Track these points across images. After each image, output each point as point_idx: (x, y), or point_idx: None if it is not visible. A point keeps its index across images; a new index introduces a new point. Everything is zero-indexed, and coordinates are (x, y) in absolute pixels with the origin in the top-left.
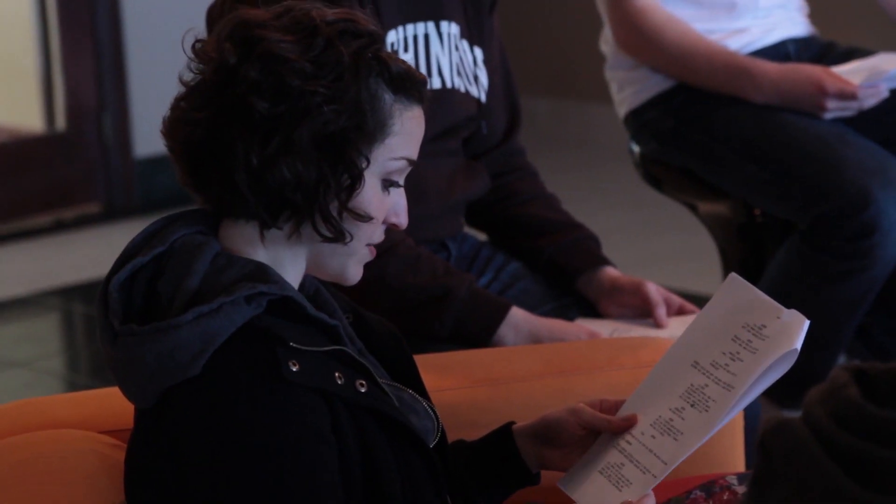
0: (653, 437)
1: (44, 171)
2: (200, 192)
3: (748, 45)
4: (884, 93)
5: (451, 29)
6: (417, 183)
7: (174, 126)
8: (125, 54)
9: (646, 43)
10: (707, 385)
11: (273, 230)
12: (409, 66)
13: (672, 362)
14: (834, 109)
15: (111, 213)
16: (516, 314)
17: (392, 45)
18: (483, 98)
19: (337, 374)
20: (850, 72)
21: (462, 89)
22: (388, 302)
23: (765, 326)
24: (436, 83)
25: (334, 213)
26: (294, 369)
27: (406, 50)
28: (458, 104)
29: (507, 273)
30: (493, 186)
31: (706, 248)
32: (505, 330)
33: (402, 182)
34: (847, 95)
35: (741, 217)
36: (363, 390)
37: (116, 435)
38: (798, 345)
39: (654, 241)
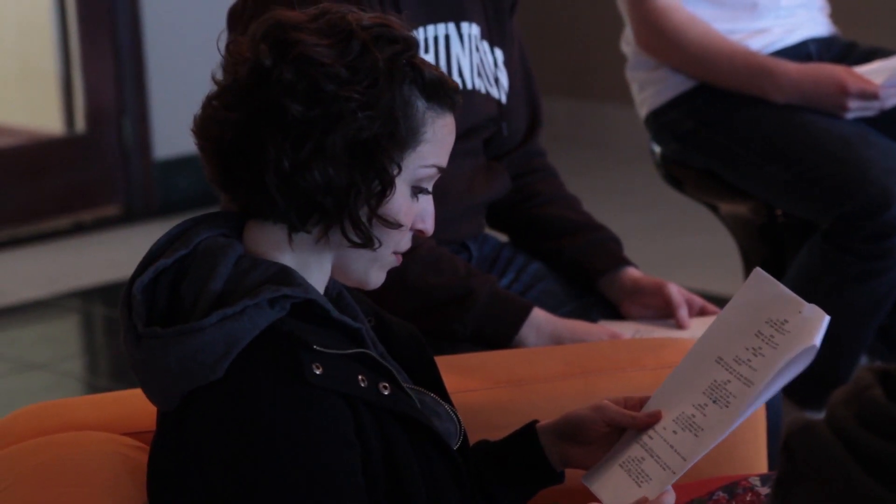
0: (674, 432)
1: (63, 173)
2: (229, 192)
3: (770, 45)
4: None
5: (471, 30)
6: (439, 184)
7: (205, 124)
8: (145, 57)
9: (667, 43)
10: (729, 381)
11: (301, 234)
12: (443, 74)
13: (697, 358)
14: (855, 109)
15: (130, 216)
16: (538, 315)
17: None
18: (504, 99)
19: (360, 377)
20: (873, 72)
21: (483, 90)
22: (410, 302)
23: (787, 321)
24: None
25: (364, 220)
26: (318, 372)
27: (427, 51)
28: (478, 105)
29: (528, 274)
30: (514, 187)
31: (727, 249)
32: (527, 331)
33: (430, 189)
34: (869, 95)
35: (762, 217)
36: (386, 393)
37: (138, 437)
38: (817, 341)
39: (675, 241)
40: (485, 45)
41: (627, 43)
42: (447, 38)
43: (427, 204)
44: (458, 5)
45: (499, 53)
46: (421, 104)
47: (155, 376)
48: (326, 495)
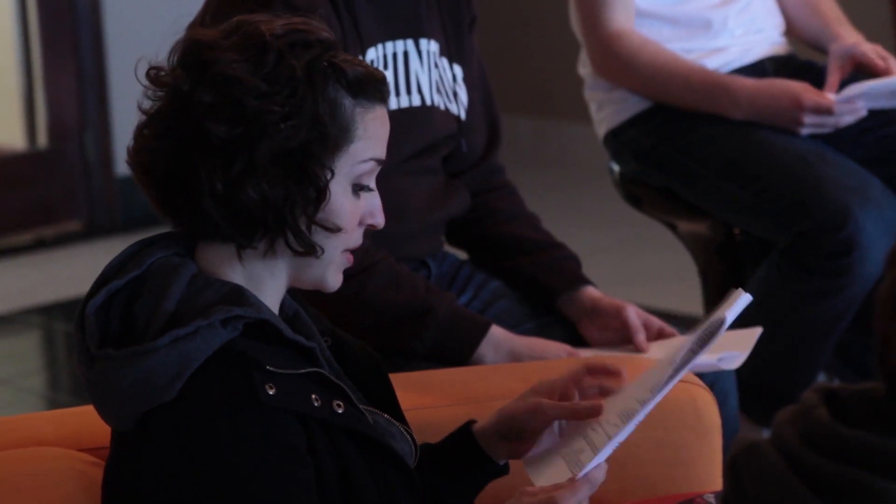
0: (615, 425)
1: (25, 188)
2: (171, 218)
3: (727, 64)
4: (861, 112)
5: (430, 46)
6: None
7: (137, 155)
8: (107, 73)
9: (622, 67)
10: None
11: (248, 250)
12: (367, 67)
13: (660, 364)
14: (810, 125)
15: (93, 232)
16: (496, 333)
17: (372, 62)
18: (463, 115)
19: (314, 397)
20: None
21: (442, 107)
22: (368, 319)
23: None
24: (415, 101)
25: (304, 228)
26: (270, 392)
27: (385, 67)
28: (437, 122)
29: (487, 291)
30: (473, 205)
31: (686, 268)
32: (484, 349)
33: (372, 184)
34: (823, 110)
35: (720, 236)
36: (340, 411)
37: (95, 453)
38: (728, 315)
39: (635, 260)
40: (444, 62)
41: (584, 65)
42: (406, 54)
43: (373, 199)
44: (416, 22)
45: (458, 69)
46: (348, 102)
47: (109, 397)
48: None
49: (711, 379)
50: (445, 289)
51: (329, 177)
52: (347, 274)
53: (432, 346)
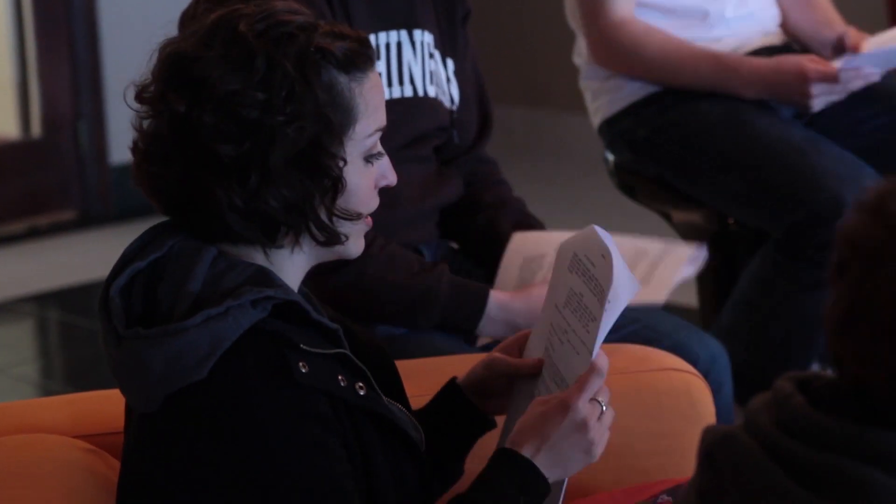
0: (556, 366)
1: (19, 178)
2: (194, 231)
3: None
4: (874, 76)
5: (424, 38)
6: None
7: (145, 180)
8: (101, 62)
9: (626, 56)
10: (582, 294)
11: (274, 248)
12: (349, 34)
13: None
14: (819, 94)
15: (86, 221)
16: (492, 306)
17: None
18: (455, 108)
19: (340, 377)
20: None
21: (434, 98)
22: (371, 306)
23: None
24: (408, 91)
25: (325, 220)
26: (304, 371)
27: (378, 58)
28: (429, 112)
29: (476, 279)
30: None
31: None
32: (483, 323)
33: (382, 150)
34: (829, 77)
35: (714, 226)
36: (362, 393)
37: (91, 439)
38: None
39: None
40: (437, 54)
41: (579, 54)
42: (399, 45)
43: (383, 161)
44: (410, 13)
45: (450, 63)
46: (343, 80)
47: (137, 377)
48: (324, 486)
49: (706, 368)
50: None
51: (341, 165)
52: (343, 261)
53: (439, 322)
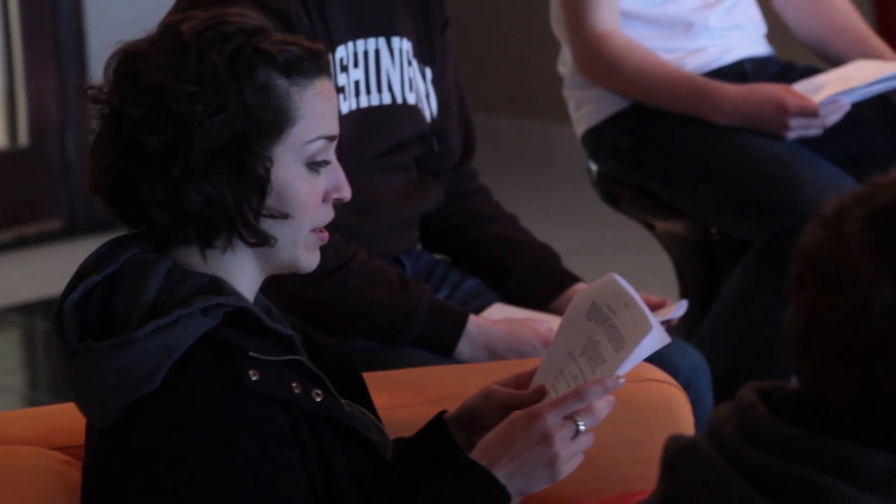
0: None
1: (5, 186)
2: (134, 228)
3: (706, 64)
4: (845, 107)
5: (402, 45)
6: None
7: (90, 175)
8: (88, 70)
9: (606, 69)
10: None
11: (209, 249)
12: (302, 44)
13: (566, 329)
14: (797, 128)
15: (73, 230)
16: (472, 327)
17: (342, 60)
18: (434, 116)
19: (294, 384)
20: (818, 85)
21: (413, 105)
22: (350, 322)
23: (613, 312)
24: (386, 99)
25: (252, 221)
26: (254, 378)
27: (356, 65)
28: (408, 120)
29: (462, 291)
30: (453, 210)
31: (665, 267)
32: (461, 345)
33: (330, 158)
34: (809, 112)
35: (697, 235)
36: (319, 399)
37: (69, 451)
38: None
39: (614, 259)
40: (416, 62)
41: (563, 64)
42: (377, 52)
43: (335, 172)
44: (389, 20)
45: (428, 72)
46: (282, 83)
47: (91, 391)
48: (275, 494)
49: (686, 379)
50: None
51: (268, 165)
52: (324, 273)
53: (415, 341)
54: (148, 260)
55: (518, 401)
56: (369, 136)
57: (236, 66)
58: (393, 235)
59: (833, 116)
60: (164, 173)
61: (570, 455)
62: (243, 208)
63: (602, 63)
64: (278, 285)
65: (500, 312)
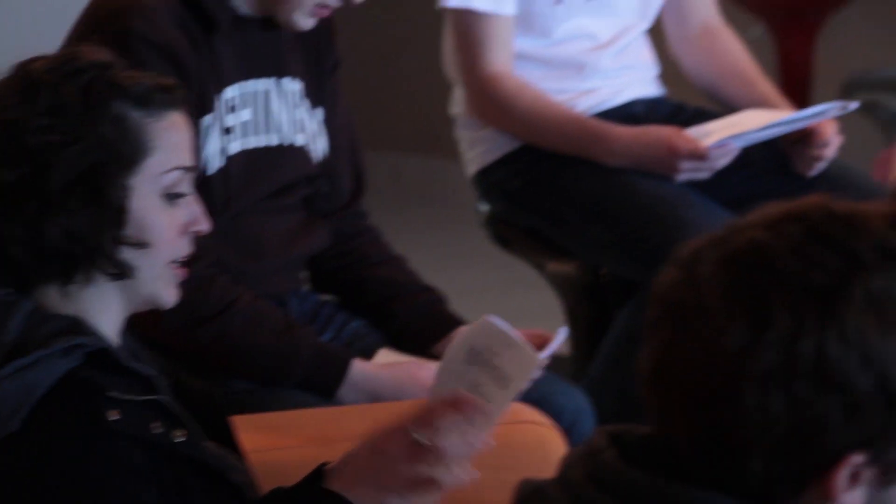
0: None
1: None
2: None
3: (597, 105)
4: (734, 150)
5: (292, 86)
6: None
7: None
8: None
9: (498, 111)
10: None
11: (70, 286)
12: (153, 78)
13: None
14: (687, 171)
15: None
16: (355, 373)
17: (230, 100)
18: (322, 157)
19: (154, 424)
20: (708, 131)
21: (302, 147)
22: (233, 363)
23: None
24: (273, 140)
25: (109, 251)
26: (113, 418)
27: (245, 105)
28: (296, 161)
29: (348, 331)
30: (341, 251)
31: (555, 308)
32: (344, 390)
33: (187, 191)
34: (698, 156)
35: (587, 277)
36: (180, 440)
37: None
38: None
39: (503, 300)
40: (306, 103)
41: (456, 104)
42: (267, 93)
43: (192, 205)
44: (279, 61)
45: (318, 112)
46: (136, 115)
47: None
48: None
49: (570, 421)
50: None
51: (125, 195)
52: (209, 314)
53: (298, 384)
54: (7, 303)
55: None
56: (257, 177)
57: (90, 99)
58: (279, 277)
59: (722, 160)
60: (21, 208)
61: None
62: (102, 239)
63: (493, 104)
64: (159, 325)
65: (385, 357)
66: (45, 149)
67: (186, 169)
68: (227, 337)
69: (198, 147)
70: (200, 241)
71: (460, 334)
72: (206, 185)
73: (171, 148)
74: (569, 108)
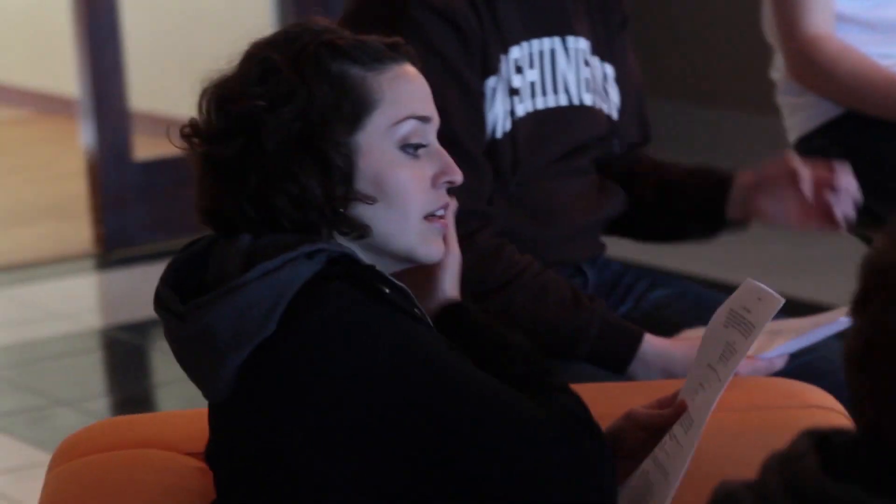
0: (675, 435)
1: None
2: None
3: None
4: None
5: (578, 44)
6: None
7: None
8: None
9: (819, 74)
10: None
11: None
12: (370, 38)
13: (700, 356)
14: None
15: None
16: (647, 350)
17: (516, 61)
18: (615, 115)
19: (416, 308)
20: None
21: (592, 106)
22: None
23: (748, 311)
24: (562, 100)
25: (343, 211)
26: (388, 292)
27: (532, 66)
28: (586, 122)
29: (648, 302)
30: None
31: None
32: (635, 366)
33: (428, 141)
34: None
35: None
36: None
37: (200, 457)
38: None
39: (827, 277)
40: (595, 60)
41: (777, 69)
42: (553, 52)
43: (437, 156)
44: (564, 20)
45: (609, 69)
46: (357, 71)
47: (205, 349)
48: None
49: None
50: (603, 298)
51: (349, 153)
52: (492, 287)
53: (586, 359)
54: (234, 237)
55: (660, 419)
56: (546, 139)
57: (300, 61)
58: (573, 244)
59: None
60: (246, 181)
61: None
62: (333, 200)
63: (815, 67)
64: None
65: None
66: (253, 114)
67: (421, 118)
68: (510, 311)
69: (482, 111)
70: (487, 210)
71: (724, 303)
72: (494, 150)
73: (399, 99)
74: (894, 71)
